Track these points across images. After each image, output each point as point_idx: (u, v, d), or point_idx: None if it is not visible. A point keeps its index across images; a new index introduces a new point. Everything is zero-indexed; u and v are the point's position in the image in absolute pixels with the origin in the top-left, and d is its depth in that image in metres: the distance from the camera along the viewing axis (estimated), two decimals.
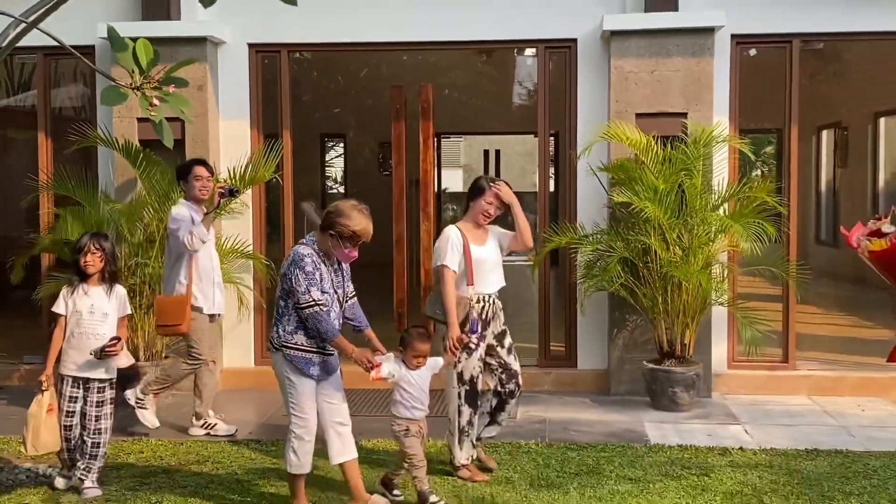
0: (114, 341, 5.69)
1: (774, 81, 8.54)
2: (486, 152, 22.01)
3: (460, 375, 5.99)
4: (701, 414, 7.62)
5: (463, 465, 6.04)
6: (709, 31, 8.09)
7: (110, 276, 5.88)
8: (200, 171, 7.07)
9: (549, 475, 6.07)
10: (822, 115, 15.29)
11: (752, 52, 8.76)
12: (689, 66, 8.10)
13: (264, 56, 8.89)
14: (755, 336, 7.51)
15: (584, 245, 7.88)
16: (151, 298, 7.98)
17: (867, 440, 6.85)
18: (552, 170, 20.16)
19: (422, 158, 8.87)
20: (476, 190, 6.10)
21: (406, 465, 5.53)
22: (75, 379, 5.77)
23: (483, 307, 6.00)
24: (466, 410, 6.02)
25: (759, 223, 7.43)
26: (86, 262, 5.77)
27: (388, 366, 5.36)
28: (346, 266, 5.40)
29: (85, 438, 5.79)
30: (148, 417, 7.02)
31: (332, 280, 5.24)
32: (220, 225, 8.55)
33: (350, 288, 5.48)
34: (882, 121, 14.66)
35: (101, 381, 5.82)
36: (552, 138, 18.44)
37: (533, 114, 9.02)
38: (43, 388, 5.66)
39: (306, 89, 15.20)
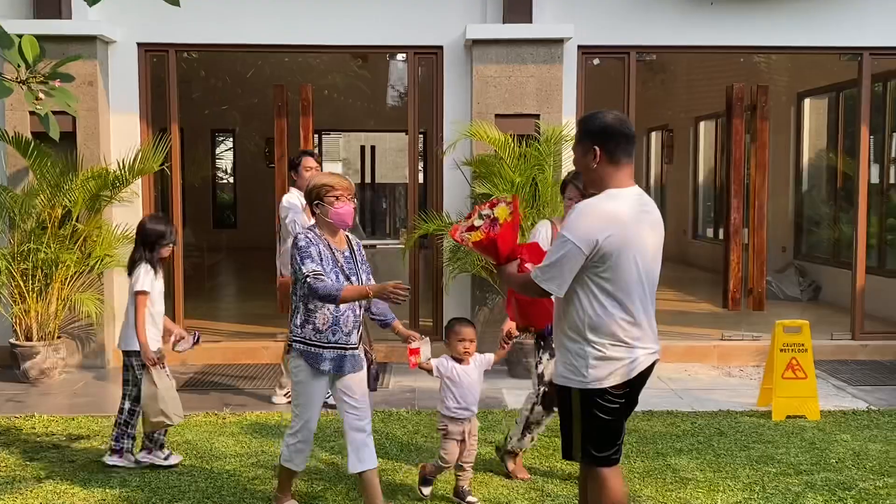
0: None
1: (614, 88, 8.68)
2: (363, 148, 21.78)
3: (541, 376, 5.13)
4: None
5: (513, 454, 5.33)
6: (559, 41, 8.14)
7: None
8: (309, 161, 6.87)
9: (419, 441, 6.01)
10: (652, 119, 15.73)
11: (596, 61, 8.88)
12: (542, 72, 8.13)
13: (153, 55, 8.47)
14: None
15: (448, 232, 7.82)
16: (42, 283, 7.54)
17: (694, 401, 7.05)
18: (421, 164, 20.25)
19: None
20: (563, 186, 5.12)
21: (439, 462, 4.84)
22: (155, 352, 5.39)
23: None
24: (539, 410, 5.17)
25: None
26: (170, 250, 5.53)
27: (427, 349, 4.59)
28: (359, 252, 4.56)
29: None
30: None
31: (341, 264, 4.38)
32: (111, 212, 8.14)
33: (369, 278, 4.55)
34: (702, 124, 15.24)
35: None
36: (421, 136, 18.50)
37: (404, 113, 8.91)
38: (157, 363, 5.31)
39: (197, 87, 14.65)
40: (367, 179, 20.99)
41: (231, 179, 19.60)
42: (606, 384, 3.54)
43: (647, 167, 17.42)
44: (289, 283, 6.60)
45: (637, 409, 3.81)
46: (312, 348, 4.38)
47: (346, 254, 4.48)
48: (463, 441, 4.80)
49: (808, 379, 6.54)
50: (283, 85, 8.72)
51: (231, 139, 19.09)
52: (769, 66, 11.51)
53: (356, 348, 4.49)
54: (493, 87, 8.13)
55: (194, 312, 9.37)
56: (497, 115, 8.10)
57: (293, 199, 6.74)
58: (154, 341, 5.35)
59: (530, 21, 8.21)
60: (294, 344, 4.44)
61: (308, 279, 4.22)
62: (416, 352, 4.53)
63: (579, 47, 8.38)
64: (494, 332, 8.10)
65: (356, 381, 4.51)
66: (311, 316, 4.36)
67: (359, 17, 8.32)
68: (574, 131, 8.09)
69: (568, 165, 8.02)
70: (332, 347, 4.40)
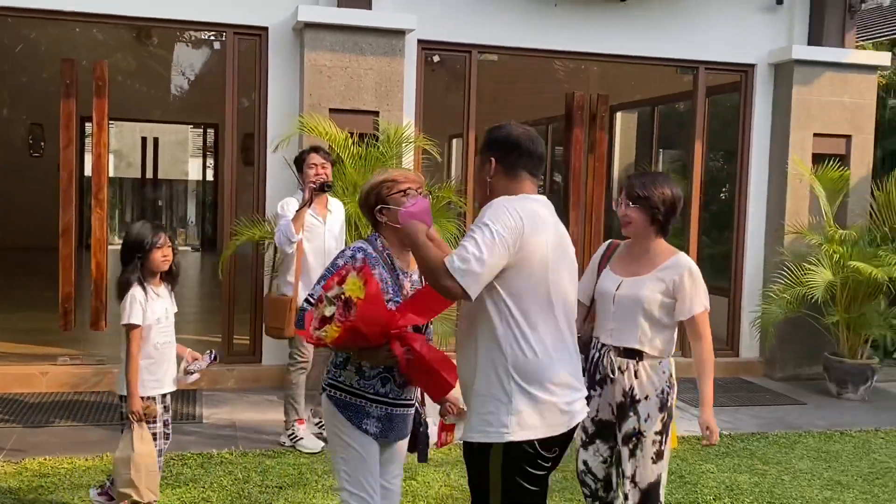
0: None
1: (455, 86, 8.05)
2: (144, 140, 19.90)
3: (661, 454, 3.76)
4: None
5: None
6: (400, 33, 7.37)
7: (175, 273, 4.37)
8: (314, 158, 5.76)
9: (251, 491, 5.02)
10: (495, 120, 14.94)
11: (437, 58, 8.20)
12: (382, 65, 7.34)
13: None
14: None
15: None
16: None
17: None
18: (210, 161, 18.77)
19: (94, 142, 7.33)
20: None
21: None
22: (162, 397, 4.30)
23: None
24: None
25: (445, 221, 6.86)
26: (164, 255, 4.20)
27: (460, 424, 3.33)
28: (414, 274, 3.28)
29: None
30: (309, 444, 5.77)
31: (407, 293, 3.24)
32: None
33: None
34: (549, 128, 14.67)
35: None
36: (212, 130, 17.06)
37: (193, 103, 7.79)
38: (144, 419, 4.13)
39: None
40: (149, 175, 19.23)
41: None
42: (536, 436, 2.87)
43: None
44: (282, 302, 5.51)
45: None
46: (353, 398, 3.21)
47: (415, 277, 3.28)
48: None
49: None
50: (73, 59, 7.34)
51: None
52: (581, 74, 11.34)
53: (411, 404, 3.33)
54: (328, 77, 7.23)
55: None
56: (332, 110, 7.20)
57: (290, 204, 5.71)
58: (152, 386, 4.18)
59: (369, 7, 7.40)
60: (328, 390, 3.27)
61: (301, 309, 3.22)
62: (451, 428, 3.43)
63: (419, 42, 7.67)
64: (323, 350, 7.22)
65: (397, 451, 3.41)
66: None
67: None
68: (413, 131, 7.53)
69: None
70: (379, 401, 3.22)
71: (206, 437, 5.97)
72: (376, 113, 7.32)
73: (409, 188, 3.22)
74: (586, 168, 8.25)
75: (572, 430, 2.97)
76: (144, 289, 4.17)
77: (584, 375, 3.55)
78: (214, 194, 17.13)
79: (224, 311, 7.57)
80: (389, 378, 3.22)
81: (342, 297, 2.94)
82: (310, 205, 5.63)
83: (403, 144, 7.10)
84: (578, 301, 3.66)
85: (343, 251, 3.27)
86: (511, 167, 2.99)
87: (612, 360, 3.68)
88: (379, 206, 3.22)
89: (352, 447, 3.21)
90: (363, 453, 3.21)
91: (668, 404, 3.68)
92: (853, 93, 8.45)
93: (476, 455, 2.96)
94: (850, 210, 8.31)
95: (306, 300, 3.16)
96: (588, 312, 3.85)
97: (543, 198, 3.03)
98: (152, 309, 4.19)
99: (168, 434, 4.39)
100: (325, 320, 2.96)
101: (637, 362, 3.64)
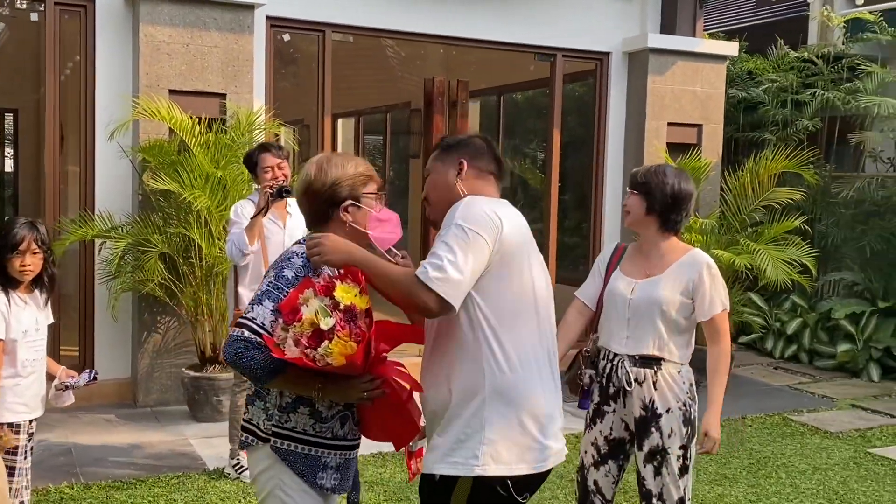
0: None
1: (308, 68, 7.48)
2: None
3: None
4: None
5: None
6: (248, 7, 6.71)
7: (49, 280, 3.64)
8: (268, 159, 4.90)
9: None
10: (351, 105, 14.10)
11: (287, 36, 7.58)
12: (229, 42, 6.66)
13: None
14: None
15: (116, 239, 6.04)
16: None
17: None
18: (10, 150, 17.04)
19: None
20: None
21: None
22: (29, 423, 3.64)
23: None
24: None
25: None
26: (24, 264, 3.49)
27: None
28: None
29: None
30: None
31: None
32: None
33: None
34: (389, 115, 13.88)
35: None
36: (10, 115, 15.43)
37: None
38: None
39: None
40: None
41: None
42: (510, 472, 2.45)
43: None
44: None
45: None
46: (307, 448, 2.55)
47: None
48: None
49: None
50: None
51: None
52: (439, 59, 11.00)
53: (358, 443, 2.72)
54: (167, 55, 6.47)
55: None
56: (172, 91, 6.46)
57: (244, 209, 4.86)
58: (17, 410, 3.55)
59: None
60: (272, 440, 2.56)
61: (238, 335, 2.47)
62: (419, 454, 2.86)
63: (268, 18, 7.04)
64: (169, 362, 6.52)
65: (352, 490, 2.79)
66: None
67: None
68: (263, 116, 6.87)
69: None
70: (336, 447, 2.59)
71: (38, 469, 5.11)
72: (223, 95, 6.64)
73: (380, 190, 2.69)
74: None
75: (548, 472, 2.56)
76: (8, 296, 3.47)
77: (595, 389, 3.40)
78: (15, 188, 15.55)
79: None
80: (349, 416, 2.62)
81: (339, 306, 2.32)
82: (266, 212, 4.83)
83: (256, 131, 6.48)
84: (585, 305, 3.49)
85: (288, 260, 2.57)
86: (481, 169, 2.69)
87: (627, 371, 3.34)
88: (349, 203, 2.63)
89: None
90: None
91: (692, 418, 3.38)
92: (704, 82, 8.56)
93: (436, 491, 2.50)
94: (702, 199, 8.42)
95: (244, 326, 2.49)
96: (595, 318, 3.53)
97: (507, 202, 2.69)
98: (18, 319, 3.49)
99: (28, 469, 3.67)
100: (319, 336, 2.30)
101: (656, 371, 3.33)
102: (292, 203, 4.99)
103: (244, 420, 2.68)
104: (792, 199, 7.71)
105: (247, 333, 2.47)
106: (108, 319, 6.43)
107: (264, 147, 5.03)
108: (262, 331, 2.47)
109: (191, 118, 6.13)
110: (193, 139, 6.05)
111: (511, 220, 2.53)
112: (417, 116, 12.82)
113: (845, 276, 9.01)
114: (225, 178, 5.94)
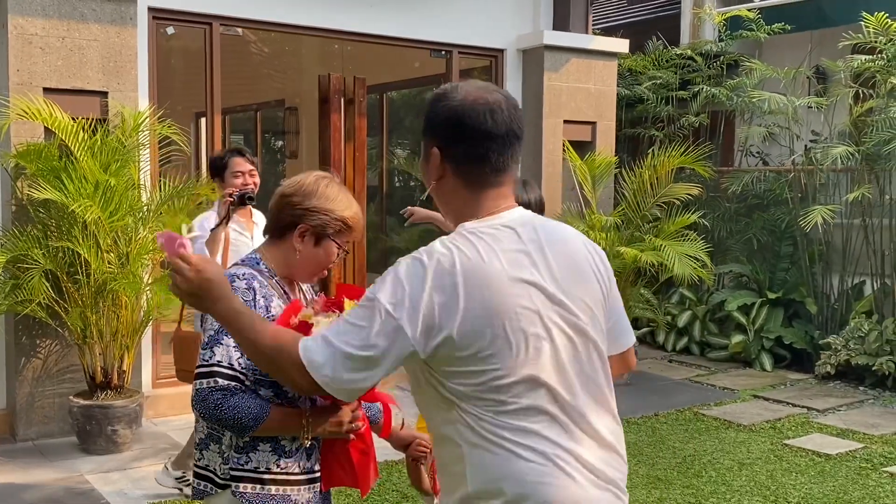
0: None
1: (195, 63, 6.95)
2: None
3: None
4: (147, 451, 5.74)
5: None
6: None
7: None
8: (240, 163, 4.56)
9: None
10: (240, 101, 13.25)
11: (171, 29, 7.00)
12: (110, 36, 6.06)
13: None
14: None
15: None
16: None
17: None
18: None
19: None
20: None
21: None
22: None
23: None
24: None
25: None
26: None
27: None
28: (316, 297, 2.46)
29: None
30: None
31: None
32: None
33: None
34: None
35: None
36: None
37: None
38: None
39: None
40: None
41: None
42: None
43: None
44: (191, 338, 4.28)
45: None
46: (274, 489, 2.24)
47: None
48: None
49: None
50: None
51: None
52: (335, 55, 10.55)
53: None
54: (41, 49, 5.82)
55: None
56: (47, 90, 5.82)
57: (208, 221, 4.39)
58: None
59: None
60: (232, 485, 2.23)
61: (210, 384, 2.17)
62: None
63: (150, 10, 6.48)
64: (51, 390, 5.90)
65: None
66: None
67: None
68: (149, 116, 6.30)
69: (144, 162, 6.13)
70: (310, 481, 2.31)
71: None
72: (105, 94, 6.05)
73: (348, 233, 2.36)
74: (344, 157, 7.53)
75: None
76: None
77: None
78: None
79: None
80: (315, 445, 2.33)
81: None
82: (228, 222, 4.35)
83: (144, 132, 5.93)
84: None
85: (234, 277, 2.23)
86: (463, 163, 1.93)
87: None
88: (303, 227, 2.32)
89: None
90: None
91: None
92: (597, 79, 8.55)
93: None
94: (599, 196, 8.41)
95: (215, 374, 2.16)
96: None
97: (523, 213, 1.98)
98: None
99: None
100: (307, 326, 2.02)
101: None
102: (258, 213, 4.74)
103: (197, 466, 2.33)
104: (691, 195, 7.79)
105: (221, 381, 2.16)
106: None
107: (238, 151, 4.68)
108: (236, 372, 2.18)
109: (79, 120, 5.53)
110: (77, 143, 5.45)
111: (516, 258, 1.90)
112: (294, 115, 12.40)
113: (733, 268, 9.23)
114: (118, 186, 5.38)
